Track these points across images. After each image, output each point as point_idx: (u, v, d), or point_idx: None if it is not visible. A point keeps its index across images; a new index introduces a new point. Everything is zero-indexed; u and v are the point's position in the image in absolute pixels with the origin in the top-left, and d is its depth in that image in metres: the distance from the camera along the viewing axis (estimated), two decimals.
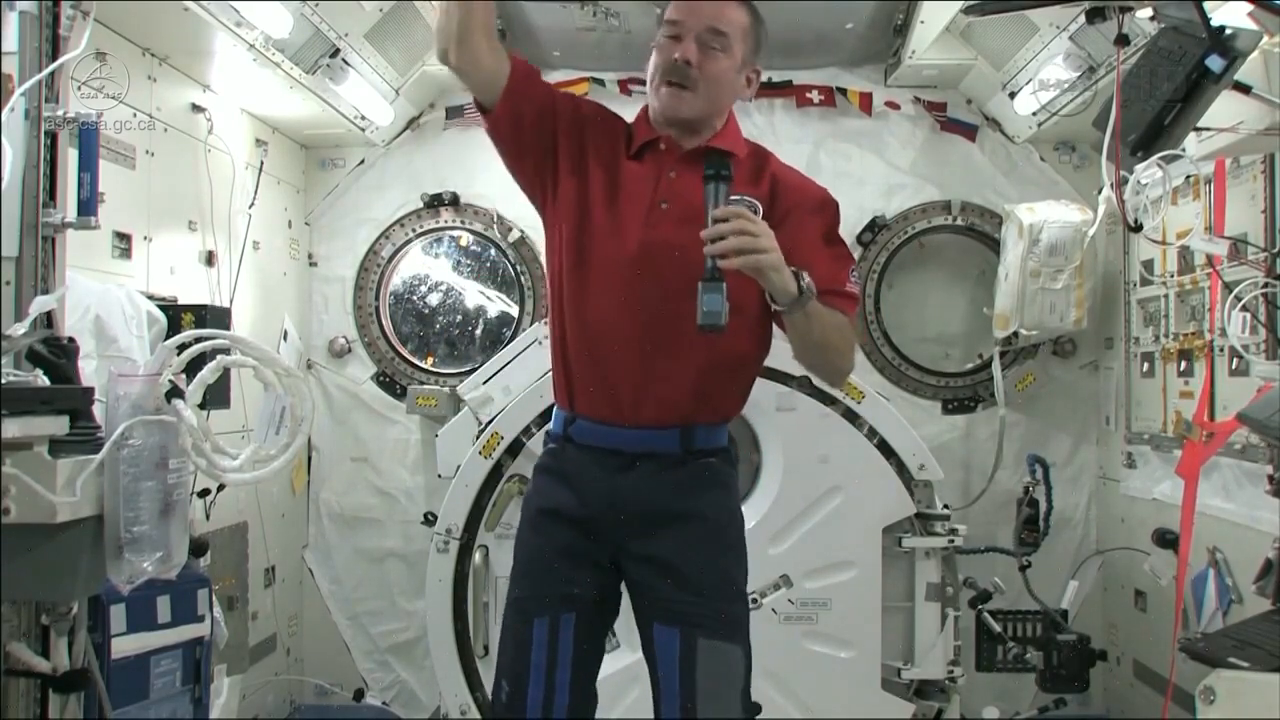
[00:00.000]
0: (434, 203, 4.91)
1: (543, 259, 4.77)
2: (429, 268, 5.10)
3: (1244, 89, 2.63)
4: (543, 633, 2.28)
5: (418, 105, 4.87)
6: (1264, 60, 2.69)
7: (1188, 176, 3.61)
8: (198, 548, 3.25)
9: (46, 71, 2.43)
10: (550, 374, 2.47)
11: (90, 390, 2.23)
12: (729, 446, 2.44)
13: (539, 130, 2.35)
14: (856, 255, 4.82)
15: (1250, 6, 2.54)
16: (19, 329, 2.22)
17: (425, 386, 4.79)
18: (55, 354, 2.24)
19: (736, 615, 2.32)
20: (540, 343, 4.25)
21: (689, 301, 2.09)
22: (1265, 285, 3.22)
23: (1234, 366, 3.50)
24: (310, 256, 5.00)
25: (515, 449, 3.86)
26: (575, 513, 2.34)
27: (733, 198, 2.14)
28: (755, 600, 3.74)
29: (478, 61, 2.28)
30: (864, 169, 4.88)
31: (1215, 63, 2.40)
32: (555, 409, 2.45)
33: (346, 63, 4.05)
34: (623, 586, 2.41)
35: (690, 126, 2.34)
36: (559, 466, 2.40)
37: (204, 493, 3.70)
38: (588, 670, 2.34)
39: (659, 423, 2.31)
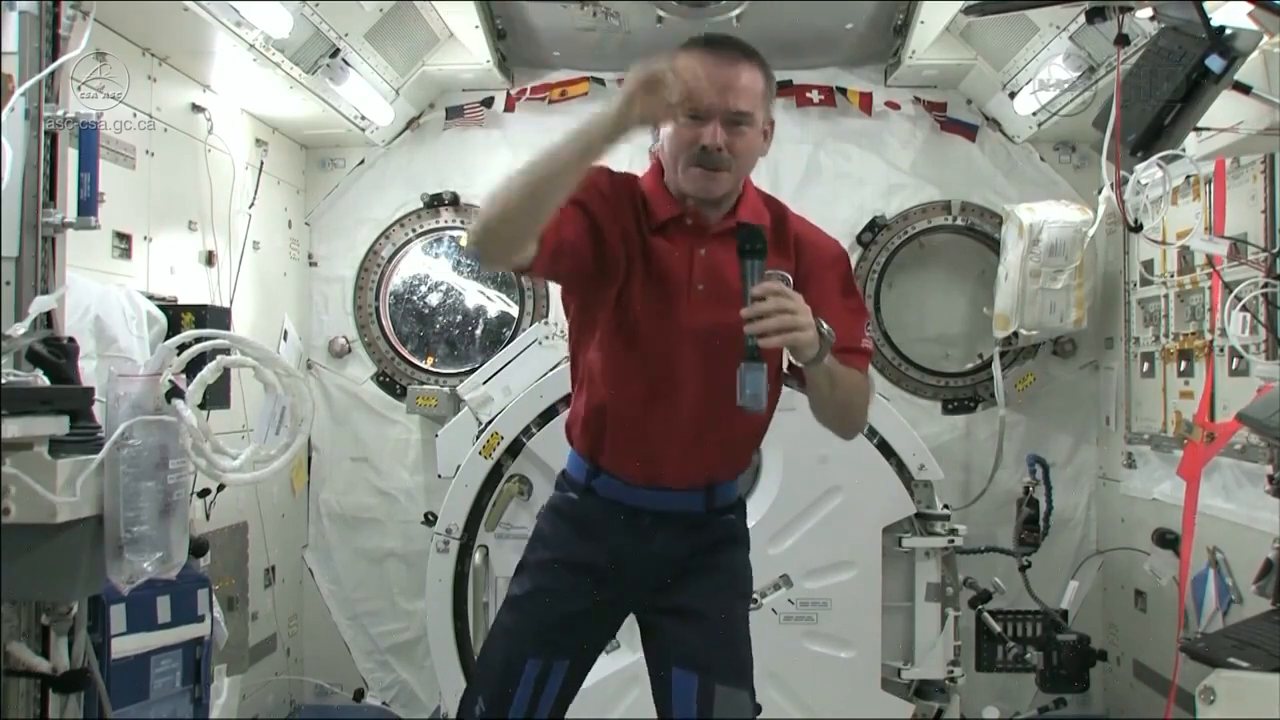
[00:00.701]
0: (434, 203, 4.91)
1: None
2: (429, 268, 5.10)
3: (1244, 89, 2.63)
4: (533, 672, 2.31)
5: (418, 105, 4.87)
6: (1264, 60, 2.69)
7: (1188, 176, 3.60)
8: (198, 548, 3.25)
9: (46, 71, 2.43)
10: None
11: (90, 390, 2.23)
12: (741, 500, 2.50)
13: (577, 261, 2.24)
14: (856, 255, 4.83)
15: (1250, 6, 2.54)
16: (19, 329, 2.23)
17: (425, 386, 4.80)
18: (55, 354, 2.25)
19: (746, 662, 2.37)
20: (540, 343, 4.25)
21: (726, 377, 2.10)
22: (1265, 285, 3.22)
23: (1234, 366, 3.50)
24: (310, 256, 5.00)
25: (515, 449, 3.86)
26: (593, 563, 2.35)
27: (766, 272, 2.14)
28: (755, 600, 3.74)
29: (519, 264, 2.15)
30: (864, 169, 4.89)
31: (1215, 63, 2.40)
32: (573, 454, 2.44)
33: (346, 63, 4.05)
34: (619, 620, 2.45)
35: (716, 200, 2.32)
36: (578, 515, 2.40)
37: (204, 493, 3.70)
38: (565, 703, 2.37)
39: (688, 486, 2.35)
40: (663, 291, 2.27)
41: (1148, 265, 4.19)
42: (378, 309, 4.97)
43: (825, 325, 2.12)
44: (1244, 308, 3.24)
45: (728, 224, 2.28)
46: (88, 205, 2.57)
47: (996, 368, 4.67)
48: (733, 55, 2.22)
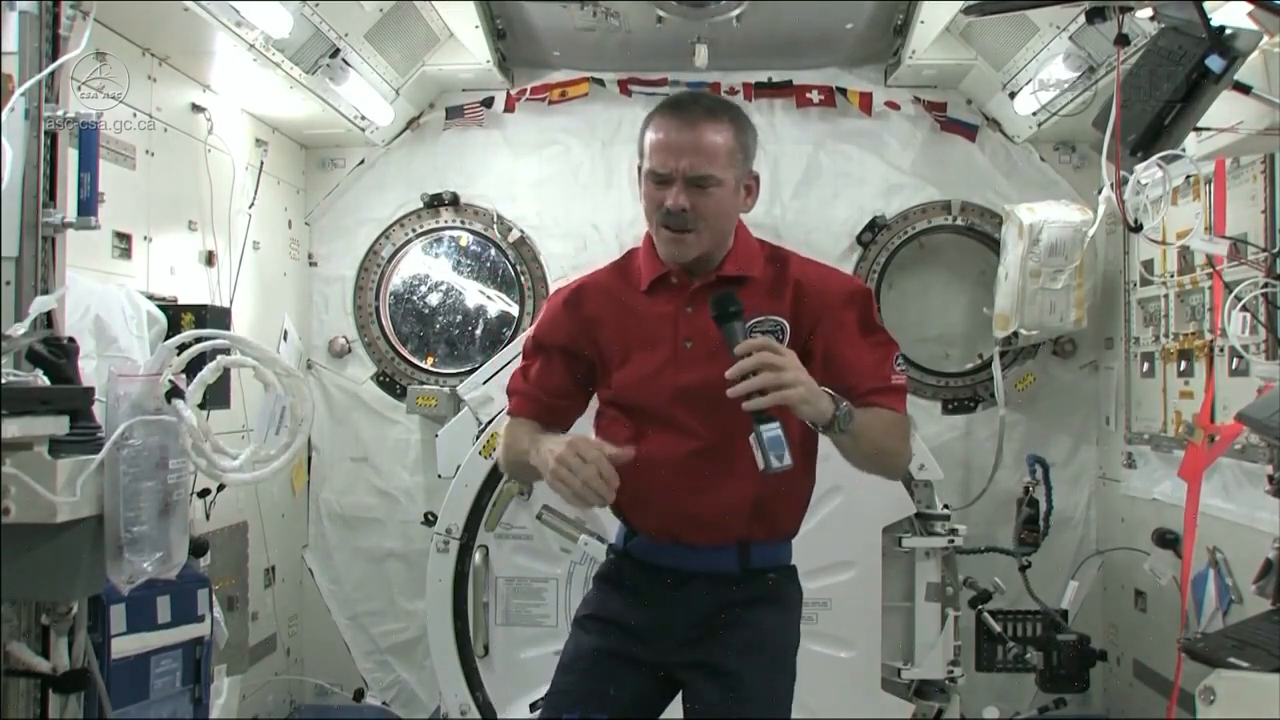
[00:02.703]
0: (434, 203, 4.92)
1: (542, 259, 4.85)
2: (429, 268, 5.10)
3: (1244, 89, 2.63)
4: None
5: (418, 105, 4.87)
6: (1264, 60, 2.69)
7: (1188, 176, 3.60)
8: (198, 548, 3.25)
9: (46, 71, 2.43)
10: None
11: (90, 390, 2.23)
12: (792, 565, 2.45)
13: (576, 391, 2.43)
14: (856, 255, 4.83)
15: (1250, 6, 2.54)
16: (19, 329, 2.22)
17: (425, 386, 4.80)
18: (55, 354, 2.25)
19: None
20: None
21: (731, 429, 2.09)
22: (1265, 285, 3.22)
23: (1234, 366, 3.50)
24: (310, 256, 5.00)
25: None
26: (628, 620, 2.36)
27: (757, 318, 2.15)
28: None
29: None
30: (864, 169, 4.89)
31: (1215, 63, 2.40)
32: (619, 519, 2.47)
33: (346, 63, 4.05)
34: (663, 680, 2.42)
35: (699, 259, 2.30)
36: (617, 577, 2.43)
37: (204, 493, 3.70)
38: None
39: (716, 543, 2.33)
40: (653, 353, 2.29)
41: (1148, 265, 4.19)
42: (378, 309, 4.97)
43: (844, 404, 2.08)
44: (1244, 308, 3.24)
45: (712, 279, 2.28)
46: (88, 205, 2.56)
47: (996, 368, 4.67)
48: (696, 116, 2.19)
